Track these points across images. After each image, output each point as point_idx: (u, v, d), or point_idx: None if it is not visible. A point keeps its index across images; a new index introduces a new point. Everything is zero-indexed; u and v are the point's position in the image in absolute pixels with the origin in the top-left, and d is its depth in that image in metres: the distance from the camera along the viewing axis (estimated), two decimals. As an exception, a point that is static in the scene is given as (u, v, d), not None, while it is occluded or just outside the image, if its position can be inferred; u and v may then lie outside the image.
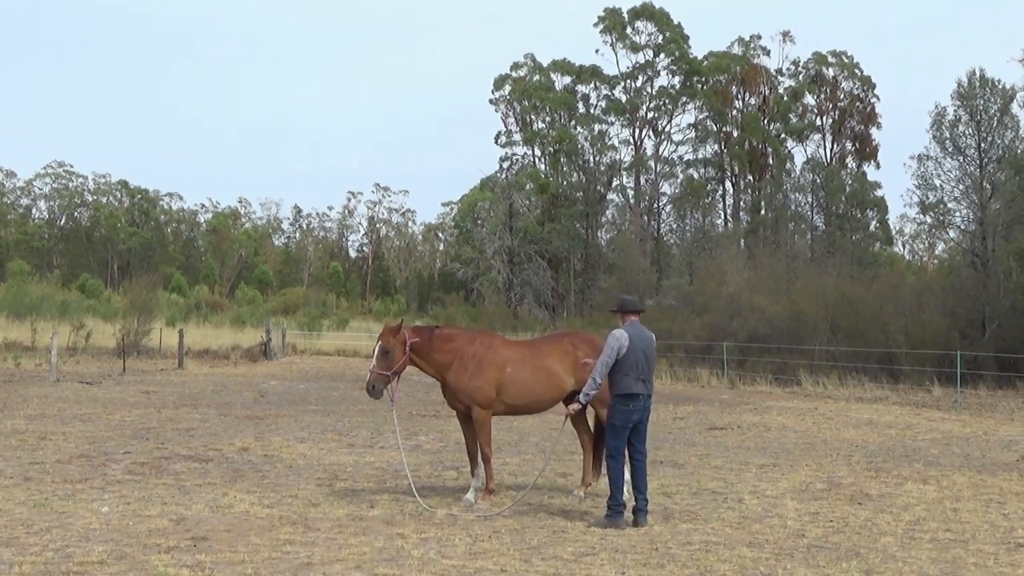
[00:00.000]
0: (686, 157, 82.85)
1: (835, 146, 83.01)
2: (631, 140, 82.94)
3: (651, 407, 12.28)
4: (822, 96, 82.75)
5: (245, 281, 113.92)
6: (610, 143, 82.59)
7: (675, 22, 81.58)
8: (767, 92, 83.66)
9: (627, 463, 12.17)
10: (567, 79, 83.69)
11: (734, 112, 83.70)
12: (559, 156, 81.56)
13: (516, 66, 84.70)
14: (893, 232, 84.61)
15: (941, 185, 48.06)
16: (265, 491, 13.63)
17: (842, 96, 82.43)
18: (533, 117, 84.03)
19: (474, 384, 13.19)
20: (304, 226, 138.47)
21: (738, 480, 15.32)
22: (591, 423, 13.93)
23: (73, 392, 28.58)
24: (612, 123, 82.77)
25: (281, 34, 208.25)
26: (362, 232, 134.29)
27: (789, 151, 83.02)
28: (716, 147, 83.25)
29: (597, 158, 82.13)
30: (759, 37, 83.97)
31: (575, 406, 12.57)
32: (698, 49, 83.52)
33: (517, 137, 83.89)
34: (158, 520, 11.60)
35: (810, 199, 78.40)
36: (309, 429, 21.01)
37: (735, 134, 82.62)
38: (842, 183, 77.97)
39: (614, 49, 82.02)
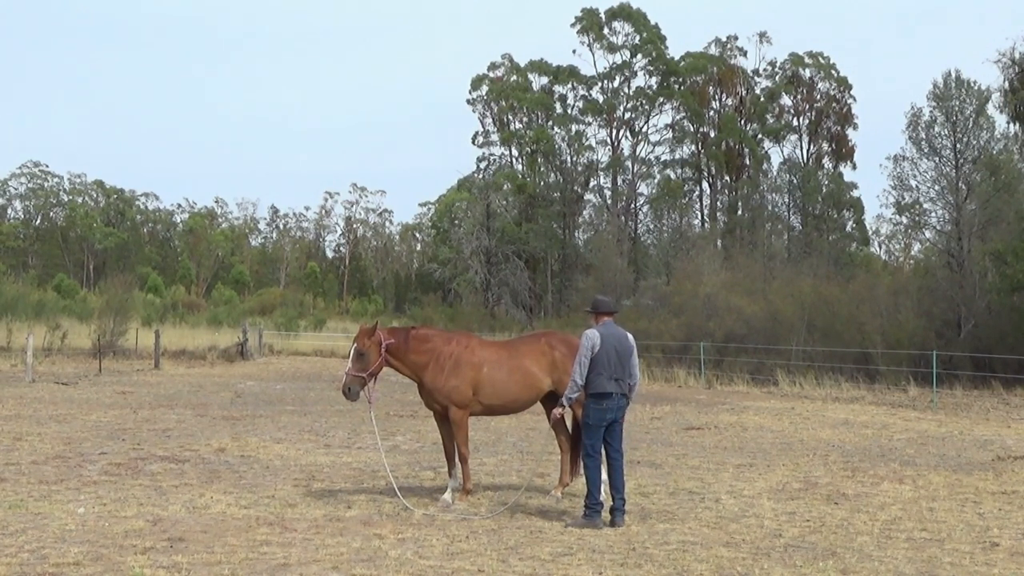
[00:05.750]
0: (663, 157, 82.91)
1: (812, 147, 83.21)
2: (608, 140, 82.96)
3: (627, 406, 12.25)
4: (799, 97, 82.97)
5: (222, 281, 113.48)
6: (587, 143, 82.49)
7: (652, 23, 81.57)
8: (744, 93, 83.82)
9: (604, 463, 12.18)
10: (544, 79, 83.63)
11: (711, 113, 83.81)
12: (536, 156, 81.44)
13: (493, 66, 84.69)
14: (869, 232, 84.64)
15: (917, 186, 48.45)
16: (242, 492, 13.59)
17: (819, 97, 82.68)
18: (510, 117, 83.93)
19: (451, 384, 13.18)
20: (281, 226, 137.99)
21: (715, 480, 15.35)
22: (568, 423, 13.92)
23: (49, 393, 28.43)
24: (589, 123, 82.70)
25: (259, 34, 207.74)
26: (339, 232, 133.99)
27: (766, 152, 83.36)
28: (693, 148, 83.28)
29: (574, 158, 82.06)
30: (736, 38, 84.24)
31: (559, 410, 12.58)
32: (675, 50, 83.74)
33: (494, 137, 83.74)
34: (134, 521, 11.55)
35: (787, 199, 78.60)
36: (286, 430, 20.97)
37: (712, 135, 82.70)
38: (819, 184, 78.22)
39: (591, 49, 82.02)
